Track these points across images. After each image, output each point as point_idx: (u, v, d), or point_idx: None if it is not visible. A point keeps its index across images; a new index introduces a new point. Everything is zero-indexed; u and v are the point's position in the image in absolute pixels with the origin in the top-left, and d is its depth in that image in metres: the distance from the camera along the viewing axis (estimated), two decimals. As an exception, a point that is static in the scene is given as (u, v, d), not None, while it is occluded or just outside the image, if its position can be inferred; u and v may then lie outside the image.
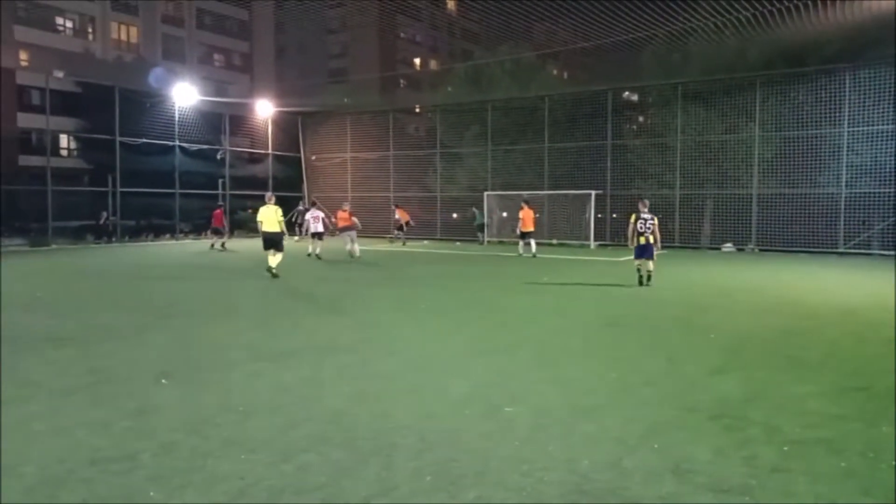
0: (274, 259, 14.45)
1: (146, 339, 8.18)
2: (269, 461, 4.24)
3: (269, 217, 14.52)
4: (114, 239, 27.24)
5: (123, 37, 52.64)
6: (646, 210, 13.26)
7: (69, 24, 48.79)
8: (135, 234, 28.79)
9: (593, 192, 25.97)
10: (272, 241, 14.49)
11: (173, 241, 28.63)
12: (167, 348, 7.65)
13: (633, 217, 13.32)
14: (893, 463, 4.27)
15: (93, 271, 17.07)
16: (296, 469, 4.12)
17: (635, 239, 13.18)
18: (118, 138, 27.05)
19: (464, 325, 9.26)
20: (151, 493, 3.76)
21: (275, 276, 14.36)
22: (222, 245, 23.67)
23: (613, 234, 26.72)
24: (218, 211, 24.43)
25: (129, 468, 4.12)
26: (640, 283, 13.27)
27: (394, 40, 65.78)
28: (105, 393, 5.76)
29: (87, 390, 5.84)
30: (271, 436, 4.71)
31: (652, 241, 13.10)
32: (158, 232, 29.62)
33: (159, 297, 12.20)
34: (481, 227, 27.84)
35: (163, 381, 6.14)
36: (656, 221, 13.22)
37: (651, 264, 13.19)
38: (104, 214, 27.49)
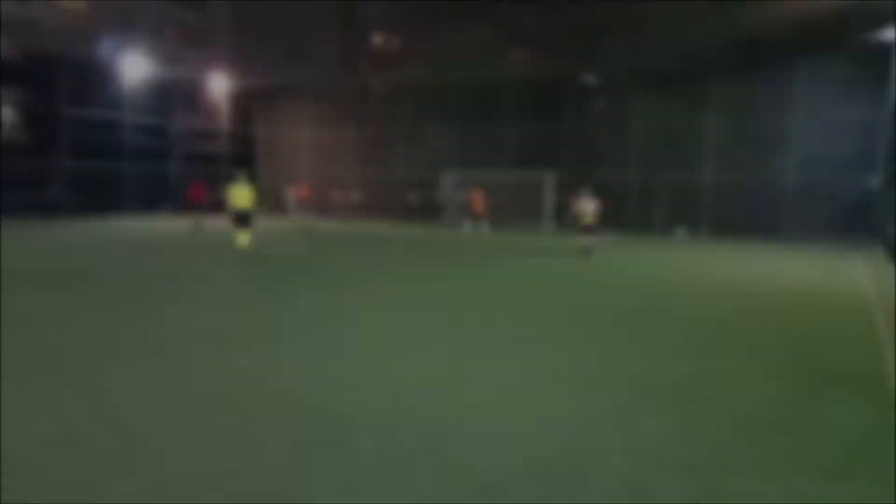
0: (244, 237, 14.89)
1: (93, 319, 7.92)
2: (229, 441, 4.17)
3: (243, 194, 15.00)
4: (59, 214, 26.30)
5: (71, 5, 50.48)
6: (588, 196, 15.42)
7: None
8: (82, 209, 27.82)
9: (551, 176, 26.18)
10: (244, 218, 14.93)
11: (121, 218, 27.80)
12: (123, 330, 7.43)
13: (575, 200, 15.55)
14: (839, 440, 4.44)
15: (36, 248, 16.45)
16: (255, 449, 4.06)
17: (580, 219, 15.47)
18: (65, 110, 26.04)
19: (421, 309, 9.24)
20: (98, 473, 3.65)
21: (247, 253, 14.65)
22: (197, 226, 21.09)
23: (572, 218, 27.02)
24: (196, 186, 21.87)
25: (76, 450, 4.00)
26: (584, 257, 15.24)
27: (355, 18, 64.70)
28: (48, 376, 5.57)
29: (34, 374, 5.63)
30: (231, 416, 4.63)
31: (594, 221, 15.40)
32: (105, 208, 28.71)
33: (105, 275, 11.83)
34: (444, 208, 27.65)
35: (110, 363, 5.96)
36: (596, 204, 15.31)
37: (592, 239, 15.34)
38: (50, 189, 26.48)
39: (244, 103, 33.89)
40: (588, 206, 15.36)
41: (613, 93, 27.47)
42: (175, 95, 30.83)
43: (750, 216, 23.49)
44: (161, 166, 30.41)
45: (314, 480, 3.70)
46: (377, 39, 24.38)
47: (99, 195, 28.56)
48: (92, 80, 27.24)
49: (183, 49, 23.79)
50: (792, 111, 22.92)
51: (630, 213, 25.87)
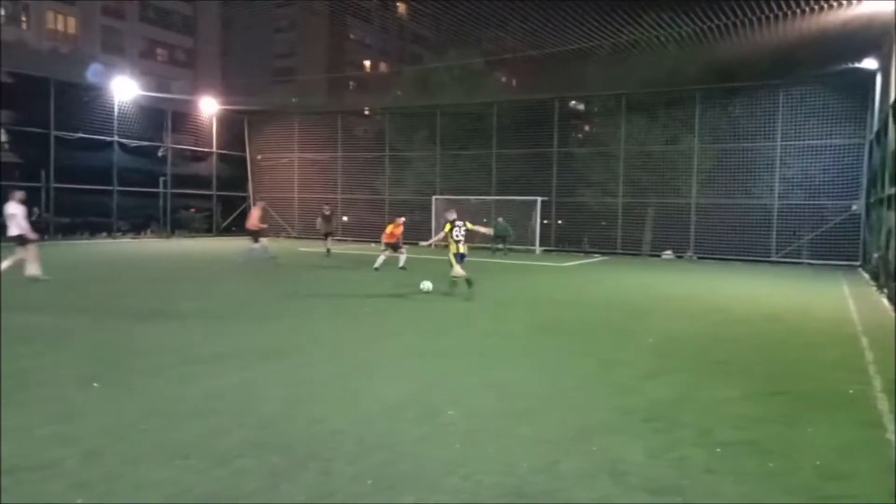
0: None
1: (72, 341, 7.86)
2: (202, 467, 4.13)
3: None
4: (46, 237, 26.12)
5: (60, 27, 50.64)
6: (457, 218, 12.94)
7: (1, 12, 46.69)
8: (69, 231, 27.68)
9: (539, 199, 26.35)
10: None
11: (110, 240, 27.66)
12: (94, 351, 7.36)
13: (448, 227, 12.84)
14: (818, 463, 4.45)
15: (19, 270, 16.30)
16: (230, 474, 4.02)
17: (456, 247, 12.63)
18: (53, 132, 26.04)
19: (402, 330, 9.23)
20: (80, 501, 3.61)
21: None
22: (257, 248, 19.56)
23: (558, 240, 27.20)
24: (255, 209, 20.25)
25: (49, 476, 3.95)
26: (469, 286, 12.49)
27: (343, 42, 65.35)
28: (25, 398, 5.50)
29: (5, 395, 5.55)
30: (204, 441, 4.58)
31: (463, 249, 12.68)
32: (95, 230, 28.57)
33: (88, 297, 11.77)
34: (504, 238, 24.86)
35: (94, 384, 5.90)
36: (468, 225, 12.87)
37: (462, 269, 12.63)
38: (36, 211, 26.35)
39: (234, 125, 33.96)
40: (461, 232, 12.74)
41: (600, 117, 27.82)
42: (165, 117, 30.86)
43: (734, 240, 23.69)
44: (151, 188, 30.29)
45: None
46: (368, 62, 24.31)
47: (87, 217, 28.46)
48: (81, 102, 27.25)
49: (173, 71, 23.60)
50: (776, 137, 23.25)
51: (618, 237, 26.03)
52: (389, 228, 17.81)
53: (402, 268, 17.29)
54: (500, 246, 24.46)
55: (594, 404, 5.71)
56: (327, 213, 22.73)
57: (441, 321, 9.97)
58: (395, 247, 17.72)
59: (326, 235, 22.51)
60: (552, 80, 26.30)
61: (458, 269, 12.45)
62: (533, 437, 4.81)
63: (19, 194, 13.45)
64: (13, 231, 13.16)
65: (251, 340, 8.13)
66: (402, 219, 18.49)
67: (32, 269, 13.23)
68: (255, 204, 20.13)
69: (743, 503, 3.84)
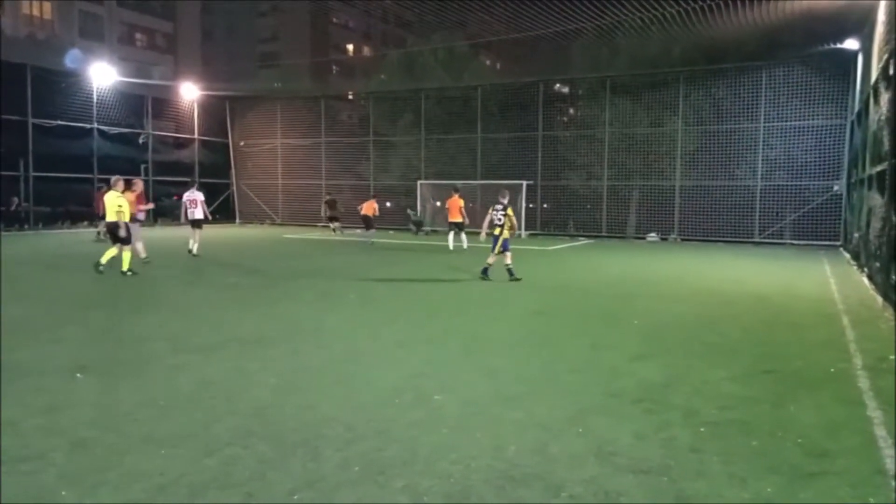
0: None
1: (62, 331, 7.79)
2: (191, 456, 4.12)
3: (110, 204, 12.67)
4: (26, 226, 25.79)
5: (36, 12, 49.62)
6: (505, 200, 12.66)
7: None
8: (50, 221, 27.32)
9: (524, 183, 26.35)
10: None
11: (91, 229, 27.32)
12: (84, 341, 7.31)
13: (490, 209, 12.84)
14: (801, 441, 4.52)
15: (2, 260, 16.09)
16: (219, 464, 4.02)
17: (497, 230, 12.60)
18: (31, 120, 25.61)
19: (394, 316, 9.22)
20: (63, 493, 3.59)
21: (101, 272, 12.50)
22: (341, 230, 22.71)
23: (544, 224, 27.27)
24: (372, 201, 22.19)
25: (38, 468, 3.92)
26: (484, 275, 12.74)
27: (326, 25, 64.62)
28: (14, 389, 5.45)
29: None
30: (193, 430, 4.57)
31: (497, 233, 12.52)
32: (76, 219, 28.21)
33: (76, 287, 11.64)
34: (418, 223, 27.65)
35: (77, 375, 5.86)
36: (510, 212, 12.61)
37: (508, 256, 12.64)
38: (15, 200, 25.95)
39: (216, 111, 33.58)
40: (496, 216, 12.61)
41: (585, 100, 27.80)
42: (145, 103, 30.44)
43: (718, 221, 23.87)
44: (132, 175, 29.90)
45: (282, 492, 3.64)
46: (351, 46, 24.25)
47: (68, 206, 28.08)
48: (59, 89, 26.80)
49: (153, 57, 23.44)
50: (759, 118, 23.37)
51: (603, 220, 26.13)
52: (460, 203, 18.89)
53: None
54: (415, 230, 27.38)
55: (585, 387, 5.75)
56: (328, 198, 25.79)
57: (434, 308, 9.96)
58: (460, 226, 18.73)
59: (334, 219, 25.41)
60: (537, 63, 26.21)
61: (490, 257, 12.88)
62: (524, 421, 4.85)
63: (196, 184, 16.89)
64: (198, 215, 16.46)
65: (239, 329, 8.08)
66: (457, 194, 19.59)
67: (195, 246, 16.34)
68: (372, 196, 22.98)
69: (728, 482, 3.88)
